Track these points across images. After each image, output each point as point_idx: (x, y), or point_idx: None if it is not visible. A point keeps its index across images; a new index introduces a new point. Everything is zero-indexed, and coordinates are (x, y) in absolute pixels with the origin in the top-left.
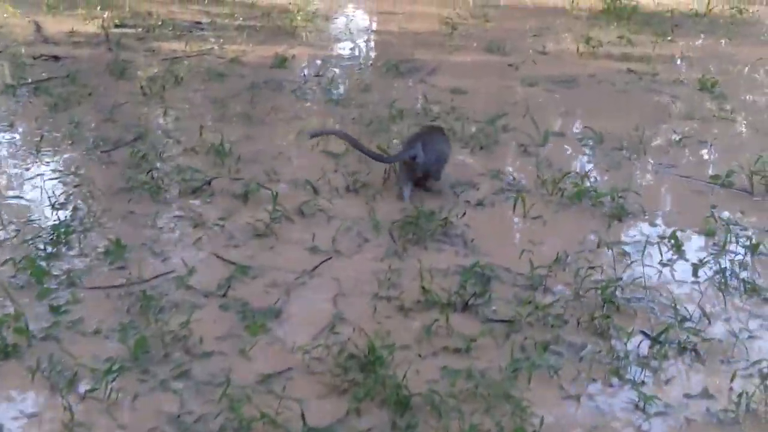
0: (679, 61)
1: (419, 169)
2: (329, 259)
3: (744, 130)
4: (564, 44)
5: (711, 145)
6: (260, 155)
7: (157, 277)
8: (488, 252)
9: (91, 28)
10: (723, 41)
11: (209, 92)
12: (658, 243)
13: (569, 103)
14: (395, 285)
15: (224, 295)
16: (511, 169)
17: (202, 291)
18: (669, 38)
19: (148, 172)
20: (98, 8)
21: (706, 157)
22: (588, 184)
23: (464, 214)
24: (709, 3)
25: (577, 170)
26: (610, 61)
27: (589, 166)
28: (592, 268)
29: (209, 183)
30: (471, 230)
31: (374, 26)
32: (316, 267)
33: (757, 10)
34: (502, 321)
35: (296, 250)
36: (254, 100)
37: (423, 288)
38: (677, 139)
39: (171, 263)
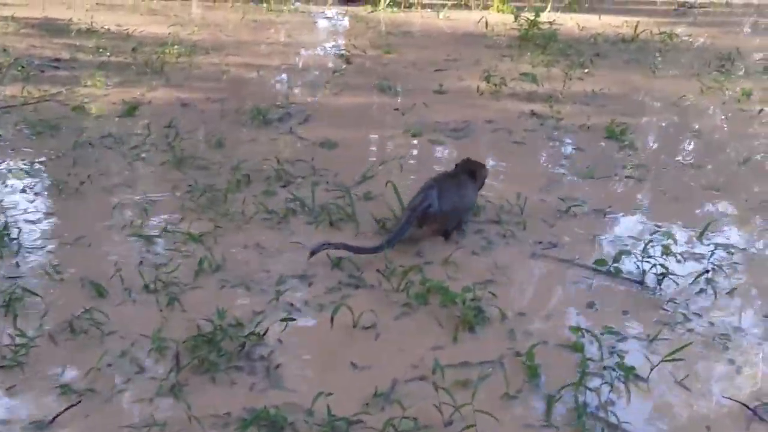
0: (590, 101)
1: (432, 219)
2: (77, 404)
3: (648, 193)
4: (467, 80)
5: (606, 216)
6: (52, 241)
7: None
8: (293, 385)
9: None
10: (647, 72)
11: (27, 154)
12: (506, 365)
13: (451, 160)
14: None
15: None
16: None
17: None
18: (586, 70)
19: None
20: None
21: (597, 231)
22: (445, 275)
23: (285, 324)
24: (636, 27)
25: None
26: (514, 101)
27: (451, 250)
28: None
29: None
30: (282, 349)
31: (257, 61)
32: (55, 418)
33: (689, 35)
34: None
35: (43, 389)
36: (78, 162)
37: None
38: (566, 208)
39: None
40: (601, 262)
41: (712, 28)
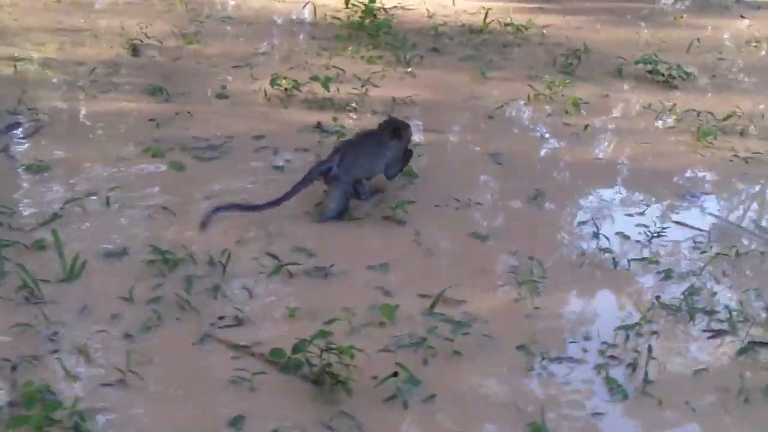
0: (391, 111)
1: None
2: None
3: (402, 243)
4: (261, 81)
5: (327, 275)
6: None
7: None
8: None
9: None
10: (478, 73)
11: None
12: None
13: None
14: None
15: None
16: None
17: None
18: (409, 69)
19: None
20: None
21: (310, 298)
22: None
23: None
24: (486, 17)
25: None
26: (303, 110)
27: None
28: None
29: None
30: None
31: (24, 52)
32: None
33: (547, 26)
34: None
35: None
36: None
37: None
38: (276, 267)
39: None
40: (277, 352)
41: (580, 16)
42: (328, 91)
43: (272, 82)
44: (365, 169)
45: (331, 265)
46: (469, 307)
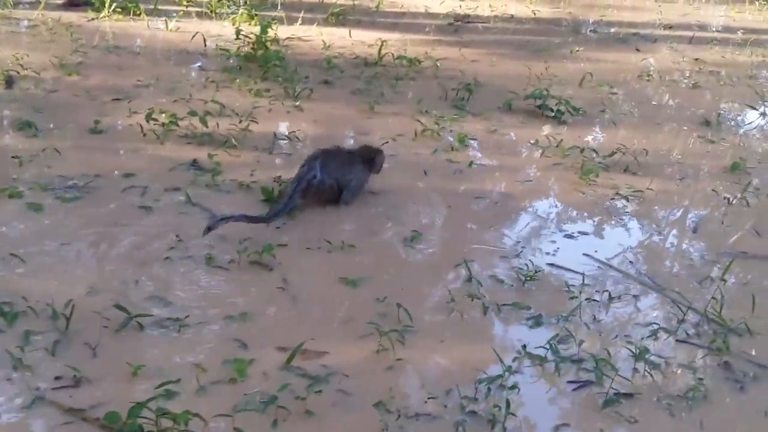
0: (272, 148)
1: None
2: None
3: (281, 298)
4: (139, 115)
5: (180, 330)
6: None
7: None
8: None
9: None
10: (366, 107)
11: None
12: None
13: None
14: None
15: None
16: None
17: None
18: (297, 103)
19: None
20: None
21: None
22: None
23: None
24: (381, 49)
25: None
26: (180, 147)
27: None
28: None
29: None
30: None
31: None
32: None
33: (439, 61)
34: None
35: None
36: None
37: None
38: (125, 320)
39: None
40: (112, 417)
41: (478, 49)
42: (206, 126)
43: (148, 117)
44: (342, 174)
45: (186, 316)
46: (329, 359)
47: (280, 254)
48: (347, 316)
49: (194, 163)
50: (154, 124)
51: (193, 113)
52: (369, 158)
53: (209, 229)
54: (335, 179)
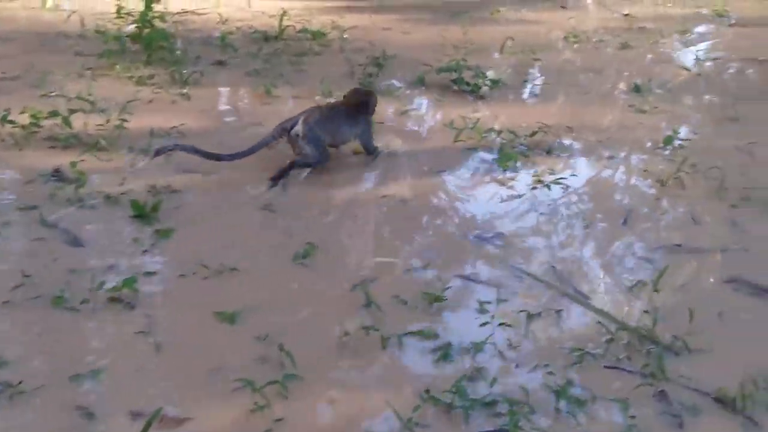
0: (149, 149)
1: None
2: None
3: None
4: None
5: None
6: None
7: None
8: None
9: None
10: (264, 90)
11: None
12: None
13: None
14: None
15: None
16: None
17: None
18: (185, 90)
19: None
20: None
21: None
22: None
23: None
24: (281, 21)
25: None
26: (43, 152)
27: None
28: None
29: None
30: None
31: None
32: None
33: (347, 31)
34: None
35: None
36: None
37: None
38: None
39: None
40: None
41: (389, 15)
42: (70, 127)
43: (3, 119)
44: (329, 132)
45: (20, 382)
46: (192, 426)
47: (147, 285)
48: (219, 363)
49: (56, 173)
50: (13, 128)
51: (54, 114)
52: (361, 102)
53: (158, 152)
54: (330, 134)
